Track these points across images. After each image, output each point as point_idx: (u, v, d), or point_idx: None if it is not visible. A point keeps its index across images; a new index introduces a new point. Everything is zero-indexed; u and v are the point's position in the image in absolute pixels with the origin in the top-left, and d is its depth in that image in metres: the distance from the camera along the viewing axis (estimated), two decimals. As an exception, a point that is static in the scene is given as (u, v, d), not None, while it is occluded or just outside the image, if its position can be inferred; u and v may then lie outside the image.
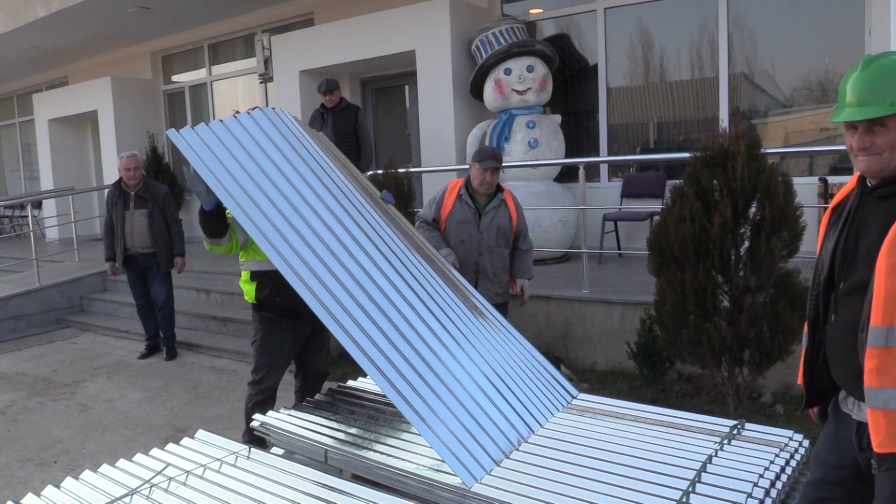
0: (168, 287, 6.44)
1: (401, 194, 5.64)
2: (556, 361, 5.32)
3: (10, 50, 12.02)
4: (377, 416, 3.26)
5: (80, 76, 13.11)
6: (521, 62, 7.10)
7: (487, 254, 4.40)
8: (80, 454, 4.44)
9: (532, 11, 8.13)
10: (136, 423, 4.92)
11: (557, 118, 7.39)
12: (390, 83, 9.31)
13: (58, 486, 2.80)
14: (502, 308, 4.50)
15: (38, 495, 2.75)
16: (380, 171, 5.85)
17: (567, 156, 7.37)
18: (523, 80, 7.06)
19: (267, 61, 9.19)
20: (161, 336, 6.59)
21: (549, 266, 6.84)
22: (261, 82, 10.05)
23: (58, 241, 12.33)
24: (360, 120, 7.29)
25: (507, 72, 7.09)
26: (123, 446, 4.47)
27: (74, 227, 9.94)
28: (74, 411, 5.27)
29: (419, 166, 8.04)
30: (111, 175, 11.36)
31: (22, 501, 2.63)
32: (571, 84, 8.05)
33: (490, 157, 4.33)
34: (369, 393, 3.54)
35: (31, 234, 9.02)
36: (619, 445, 2.73)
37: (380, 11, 7.92)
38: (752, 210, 3.84)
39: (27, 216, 13.42)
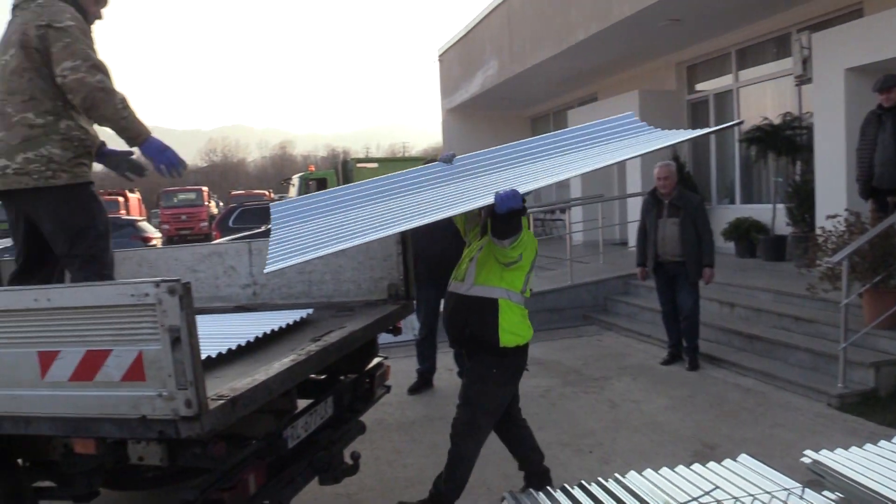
0: (695, 297, 6.40)
1: None
2: None
3: (552, 72, 13.58)
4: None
5: (609, 91, 14.07)
6: None
7: None
8: (611, 449, 4.67)
9: None
10: (663, 430, 4.97)
11: None
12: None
13: (600, 480, 2.92)
14: None
15: (588, 484, 2.91)
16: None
17: None
18: None
19: (805, 61, 8.50)
20: (684, 345, 6.58)
21: None
22: (796, 84, 9.36)
23: (581, 245, 13.42)
24: (925, 119, 6.19)
25: None
26: (651, 451, 4.56)
27: (601, 232, 10.68)
28: (603, 406, 5.58)
29: None
30: (633, 184, 11.90)
31: (574, 487, 2.82)
32: None
33: None
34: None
35: (566, 236, 9.96)
36: None
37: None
38: None
39: (559, 220, 15.08)
